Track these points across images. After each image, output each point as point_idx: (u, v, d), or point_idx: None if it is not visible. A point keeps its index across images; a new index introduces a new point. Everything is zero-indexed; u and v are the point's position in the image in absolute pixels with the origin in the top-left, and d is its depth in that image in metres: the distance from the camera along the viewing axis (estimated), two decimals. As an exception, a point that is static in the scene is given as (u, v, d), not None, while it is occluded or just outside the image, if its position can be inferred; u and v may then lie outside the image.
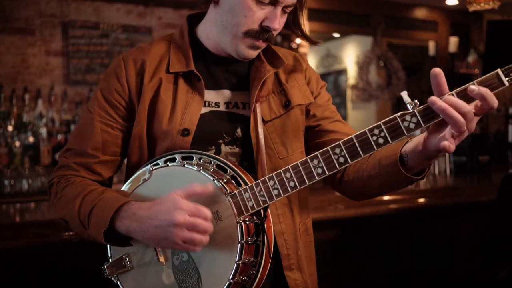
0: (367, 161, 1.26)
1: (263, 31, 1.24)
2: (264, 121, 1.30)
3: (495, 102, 1.00)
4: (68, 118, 4.36)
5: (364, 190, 1.31)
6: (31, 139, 4.11)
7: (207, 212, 1.08)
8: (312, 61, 8.55)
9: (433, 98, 1.02)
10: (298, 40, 5.01)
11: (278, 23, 1.23)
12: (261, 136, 1.27)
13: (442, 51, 5.95)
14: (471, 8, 2.86)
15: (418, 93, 7.91)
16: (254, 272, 1.17)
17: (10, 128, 4.09)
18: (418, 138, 1.13)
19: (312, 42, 1.38)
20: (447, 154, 3.32)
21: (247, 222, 1.15)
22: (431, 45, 6.05)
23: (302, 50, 5.05)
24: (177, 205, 1.07)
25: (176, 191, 1.11)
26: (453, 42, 5.85)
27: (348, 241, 2.23)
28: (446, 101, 1.01)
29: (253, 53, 1.29)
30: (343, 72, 8.29)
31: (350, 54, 7.91)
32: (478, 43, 6.04)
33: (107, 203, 1.16)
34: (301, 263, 1.32)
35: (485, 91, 1.00)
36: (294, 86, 1.36)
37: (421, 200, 2.38)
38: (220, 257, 1.15)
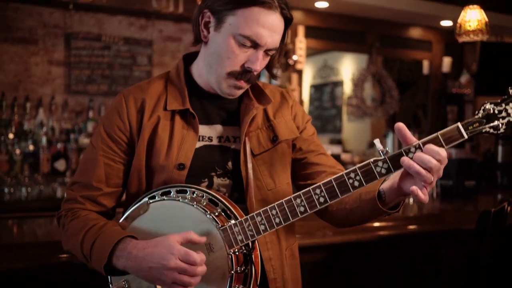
0: (349, 195, 1.38)
1: (244, 72, 1.33)
2: (253, 155, 1.40)
3: (443, 158, 1.14)
4: (68, 127, 4.44)
5: (346, 220, 1.43)
6: (31, 147, 4.21)
7: (196, 257, 1.19)
8: (309, 72, 8.67)
9: (403, 157, 1.15)
10: (295, 57, 5.12)
11: (259, 65, 1.32)
12: (250, 169, 1.37)
13: (435, 70, 6.07)
14: (461, 40, 2.98)
15: (412, 107, 8.06)
16: None
17: (11, 135, 4.17)
18: (394, 177, 1.25)
19: (273, 77, 1.47)
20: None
21: (237, 253, 1.27)
22: (425, 64, 6.18)
23: (299, 66, 5.17)
24: (170, 250, 1.18)
25: (173, 236, 1.21)
26: (446, 62, 5.99)
27: (335, 264, 2.34)
28: (414, 159, 1.14)
29: (236, 92, 1.38)
30: (339, 83, 8.41)
31: (347, 67, 8.03)
32: (471, 64, 6.17)
33: (105, 239, 1.26)
34: (287, 285, 1.42)
35: (431, 150, 1.14)
36: (281, 122, 1.46)
37: (410, 226, 2.49)
38: (212, 285, 1.25)
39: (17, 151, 4.13)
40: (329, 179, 1.23)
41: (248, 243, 1.27)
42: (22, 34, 4.37)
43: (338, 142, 7.79)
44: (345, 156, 5.46)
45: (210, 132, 1.42)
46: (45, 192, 3.96)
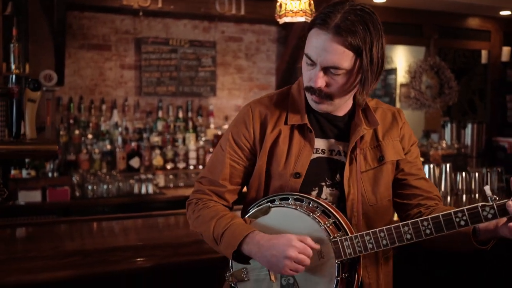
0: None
1: (311, 88, 1.48)
2: (360, 171, 1.55)
3: None
4: (140, 126, 4.75)
5: (431, 245, 1.53)
6: (108, 147, 4.53)
7: (310, 252, 1.40)
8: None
9: (510, 203, 1.29)
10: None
11: (316, 81, 1.43)
12: (355, 185, 1.53)
13: (494, 60, 6.03)
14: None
15: (468, 93, 7.99)
16: None
17: (89, 136, 4.51)
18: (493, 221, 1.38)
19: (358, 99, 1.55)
20: (499, 173, 3.50)
21: (344, 262, 1.45)
22: (484, 54, 6.14)
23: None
24: (291, 242, 1.39)
25: (293, 235, 1.41)
26: (505, 51, 5.93)
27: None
28: None
29: (316, 106, 1.51)
30: (392, 71, 8.41)
31: (401, 55, 8.03)
32: (531, 52, 6.09)
33: (236, 229, 1.47)
34: None
35: None
36: (389, 144, 1.59)
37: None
38: (320, 285, 1.45)
39: (96, 150, 4.47)
40: (437, 214, 1.36)
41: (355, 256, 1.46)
42: (96, 41, 4.69)
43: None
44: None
45: (323, 145, 1.58)
46: (123, 189, 4.28)
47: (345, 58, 1.40)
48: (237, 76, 5.22)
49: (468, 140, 5.80)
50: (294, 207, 1.48)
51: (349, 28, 1.38)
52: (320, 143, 1.57)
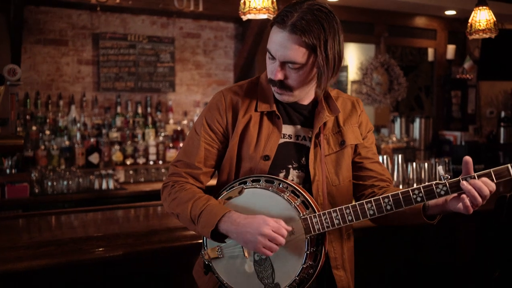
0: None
1: (272, 80, 1.61)
2: (324, 155, 1.69)
3: (493, 189, 1.47)
4: (99, 122, 4.74)
5: (388, 221, 1.73)
6: (67, 142, 4.50)
7: (284, 231, 1.50)
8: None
9: (463, 182, 1.46)
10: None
11: (275, 75, 1.57)
12: (319, 167, 1.67)
13: (440, 57, 6.35)
14: (472, 37, 3.26)
15: (415, 89, 8.35)
16: (312, 271, 1.59)
17: (47, 132, 4.46)
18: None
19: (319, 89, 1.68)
20: (446, 163, 3.73)
21: (312, 237, 1.58)
22: (430, 52, 6.46)
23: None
24: (266, 221, 1.50)
25: (267, 217, 1.52)
26: (450, 49, 6.27)
27: (368, 243, 2.64)
28: (473, 184, 1.45)
29: (279, 96, 1.64)
30: (344, 68, 8.65)
31: (352, 53, 8.29)
32: (473, 50, 6.45)
33: (213, 209, 1.56)
34: (345, 263, 1.73)
35: (485, 182, 1.46)
36: (349, 129, 1.73)
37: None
38: (290, 260, 1.57)
39: (54, 147, 4.42)
40: (396, 192, 1.52)
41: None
42: (53, 36, 4.63)
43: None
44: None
45: (290, 131, 1.70)
46: (83, 185, 4.26)
47: (300, 54, 1.53)
48: (195, 72, 5.28)
49: (416, 134, 6.09)
50: (265, 187, 1.60)
51: (303, 27, 1.50)
52: (287, 129, 1.70)
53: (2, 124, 2.76)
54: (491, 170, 1.46)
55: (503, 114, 6.21)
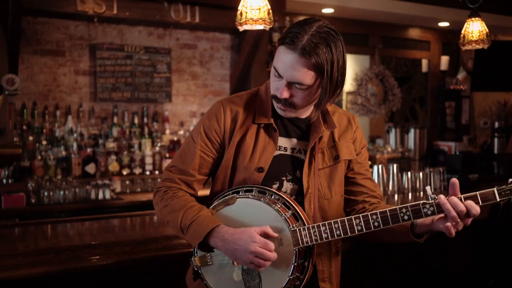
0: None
1: (276, 97, 1.63)
2: (317, 168, 1.71)
3: (477, 212, 1.48)
4: (95, 132, 4.75)
5: (377, 238, 1.73)
6: (63, 153, 4.51)
7: (271, 245, 1.52)
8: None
9: (442, 199, 1.48)
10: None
11: (281, 93, 1.59)
12: (313, 180, 1.69)
13: (434, 68, 6.42)
14: (465, 48, 3.30)
15: (409, 100, 8.41)
16: (298, 283, 1.60)
17: (44, 142, 4.47)
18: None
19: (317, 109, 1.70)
20: (441, 172, 3.77)
21: (300, 249, 1.59)
22: (424, 63, 6.53)
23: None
24: (253, 238, 1.52)
25: (254, 228, 1.54)
26: (444, 60, 6.34)
27: (361, 253, 2.67)
28: (450, 201, 1.48)
29: (281, 112, 1.67)
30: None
31: (347, 64, 8.35)
32: (467, 61, 6.52)
33: (203, 222, 1.58)
34: (331, 277, 1.75)
35: (469, 205, 1.47)
36: (343, 144, 1.76)
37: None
38: (277, 270, 1.59)
39: (51, 157, 4.43)
40: (384, 209, 1.54)
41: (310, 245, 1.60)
42: (50, 47, 4.66)
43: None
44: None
45: (286, 144, 1.73)
46: (80, 195, 4.27)
47: (308, 76, 1.56)
48: (192, 82, 5.31)
49: (411, 144, 6.13)
50: (258, 198, 1.62)
51: (313, 50, 1.53)
52: (283, 142, 1.72)
53: (0, 133, 2.78)
54: (478, 193, 1.47)
55: (496, 124, 6.27)
